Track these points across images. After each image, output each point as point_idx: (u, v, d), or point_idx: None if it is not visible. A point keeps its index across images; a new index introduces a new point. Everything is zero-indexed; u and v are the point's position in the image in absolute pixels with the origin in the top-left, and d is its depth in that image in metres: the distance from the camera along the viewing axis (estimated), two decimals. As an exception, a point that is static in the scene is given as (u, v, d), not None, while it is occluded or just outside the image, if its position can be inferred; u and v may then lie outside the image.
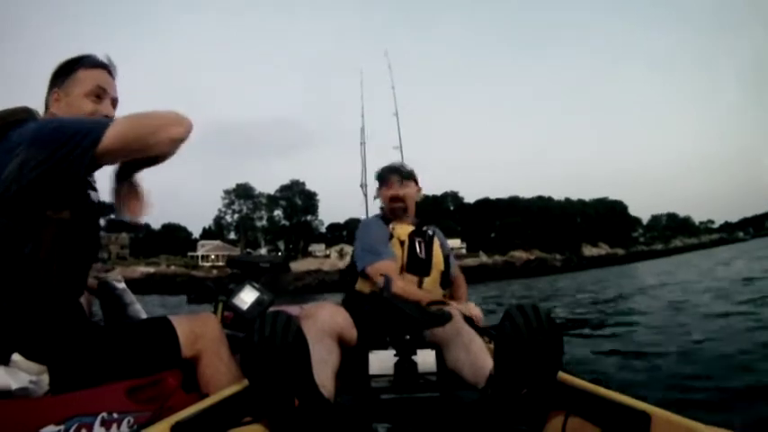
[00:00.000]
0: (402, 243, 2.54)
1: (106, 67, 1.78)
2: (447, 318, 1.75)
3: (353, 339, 2.11)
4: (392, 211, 2.71)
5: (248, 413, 1.38)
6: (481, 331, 2.06)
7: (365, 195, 4.04)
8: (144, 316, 2.27)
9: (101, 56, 1.79)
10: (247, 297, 2.27)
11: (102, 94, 1.73)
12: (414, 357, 1.78)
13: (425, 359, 1.80)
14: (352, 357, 1.98)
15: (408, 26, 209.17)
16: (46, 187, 1.42)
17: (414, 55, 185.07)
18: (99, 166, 1.53)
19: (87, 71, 1.72)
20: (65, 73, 1.71)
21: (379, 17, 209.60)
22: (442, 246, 2.67)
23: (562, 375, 1.45)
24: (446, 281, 2.64)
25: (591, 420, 1.32)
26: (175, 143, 1.56)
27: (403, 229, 2.59)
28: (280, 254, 68.28)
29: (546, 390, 1.37)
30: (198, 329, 1.77)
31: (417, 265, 2.52)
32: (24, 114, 1.57)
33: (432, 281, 2.54)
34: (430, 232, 2.64)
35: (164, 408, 1.60)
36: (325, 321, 1.97)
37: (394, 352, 1.80)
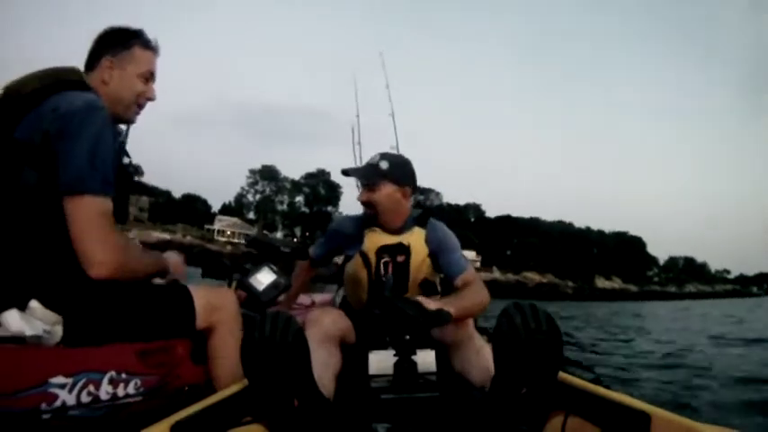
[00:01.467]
0: (366, 260, 2.25)
1: (155, 51, 1.82)
2: (446, 318, 1.71)
3: (354, 343, 2.13)
4: (365, 218, 2.35)
5: (248, 413, 1.38)
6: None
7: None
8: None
9: (151, 36, 1.81)
10: (264, 278, 2.24)
11: (150, 77, 1.78)
12: (414, 357, 1.76)
13: (425, 359, 1.77)
14: (351, 358, 1.98)
15: (416, 28, 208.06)
16: None
17: (424, 59, 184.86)
18: None
19: (143, 51, 1.76)
20: (120, 44, 1.73)
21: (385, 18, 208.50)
22: (441, 253, 2.26)
23: (562, 375, 1.45)
24: (434, 292, 2.26)
25: (591, 420, 1.32)
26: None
27: (372, 242, 2.26)
28: (295, 240, 68.42)
29: (546, 390, 1.36)
30: (215, 302, 1.78)
31: (383, 289, 2.19)
32: (75, 76, 1.60)
33: None
34: (405, 243, 2.24)
35: (172, 374, 1.64)
36: (329, 327, 1.97)
37: (393, 352, 1.79)
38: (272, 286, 2.24)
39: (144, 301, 1.64)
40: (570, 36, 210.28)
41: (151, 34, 1.78)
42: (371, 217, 2.29)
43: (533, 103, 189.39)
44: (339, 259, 2.58)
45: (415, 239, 2.27)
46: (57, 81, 1.53)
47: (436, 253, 2.26)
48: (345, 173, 2.38)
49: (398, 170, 2.27)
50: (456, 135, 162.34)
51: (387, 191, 2.22)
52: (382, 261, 2.24)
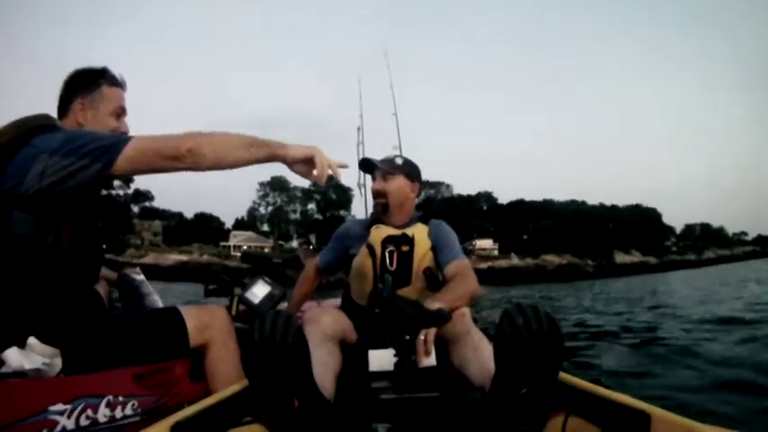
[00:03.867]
0: (371, 251, 2.35)
1: (123, 86, 1.91)
2: (446, 318, 1.71)
3: (354, 342, 2.15)
4: (374, 208, 2.53)
5: (248, 413, 1.39)
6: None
7: (363, 195, 3.99)
8: (160, 306, 2.34)
9: (116, 72, 1.91)
10: (259, 291, 2.32)
11: (122, 113, 1.88)
12: (413, 357, 1.77)
13: (426, 360, 1.79)
14: (351, 357, 1.99)
15: (417, 23, 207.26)
16: (64, 189, 1.52)
17: (425, 54, 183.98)
18: (116, 178, 1.62)
19: (111, 89, 1.85)
20: (90, 84, 1.82)
21: (388, 15, 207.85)
22: (439, 244, 2.37)
23: (562, 375, 1.45)
24: (437, 285, 2.30)
25: (591, 420, 1.32)
26: (194, 162, 1.58)
27: (378, 235, 2.38)
28: (311, 247, 68.16)
29: (546, 390, 1.37)
30: (206, 319, 1.83)
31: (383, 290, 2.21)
32: (45, 121, 1.67)
33: (413, 291, 2.30)
34: (410, 234, 2.36)
35: (170, 394, 1.69)
36: (327, 325, 1.99)
37: (393, 351, 1.80)
38: (268, 298, 2.32)
39: (137, 328, 1.72)
40: (571, 16, 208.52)
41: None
42: (379, 212, 2.46)
43: (536, 87, 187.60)
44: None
45: (419, 232, 2.39)
46: (30, 129, 1.60)
47: (437, 247, 2.36)
48: (365, 161, 2.57)
49: (410, 167, 2.51)
50: (461, 126, 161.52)
51: (399, 182, 2.44)
52: (387, 250, 2.34)
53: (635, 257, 76.19)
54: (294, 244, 74.59)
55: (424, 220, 2.49)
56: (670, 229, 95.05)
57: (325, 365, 1.74)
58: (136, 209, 70.85)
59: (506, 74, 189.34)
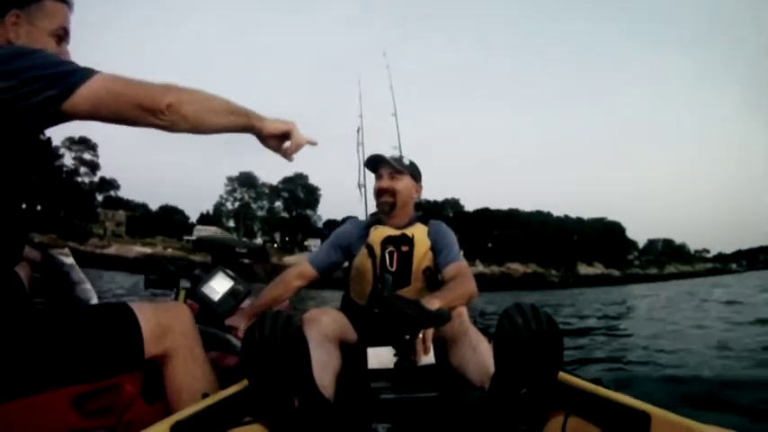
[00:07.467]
0: (371, 252, 2.34)
1: (69, 4, 1.55)
2: (447, 318, 1.68)
3: (354, 342, 2.14)
4: (379, 207, 2.49)
5: (248, 413, 1.35)
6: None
7: (363, 195, 3.91)
8: (94, 299, 1.91)
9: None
10: (219, 286, 2.02)
11: (64, 36, 1.52)
12: (413, 357, 1.76)
13: (425, 359, 1.78)
14: (351, 357, 1.97)
15: (409, 29, 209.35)
16: None
17: (418, 59, 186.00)
18: (67, 118, 1.26)
19: (55, 4, 1.49)
20: None
21: (380, 19, 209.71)
22: (438, 245, 2.36)
23: (562, 375, 1.45)
24: (437, 285, 2.28)
25: (591, 420, 1.32)
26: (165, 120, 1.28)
27: (378, 235, 2.37)
28: (275, 245, 68.02)
29: (546, 390, 1.37)
30: (167, 321, 1.47)
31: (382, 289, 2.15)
32: None
33: (413, 291, 2.29)
34: (409, 235, 2.37)
35: (121, 422, 1.37)
36: (327, 326, 1.96)
37: (392, 348, 1.77)
38: (230, 295, 2.03)
39: (74, 330, 1.31)
40: (546, 32, 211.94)
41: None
42: (382, 207, 2.46)
43: (505, 97, 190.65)
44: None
45: (419, 232, 2.40)
46: None
47: (436, 248, 2.37)
48: (377, 157, 2.52)
49: (415, 169, 2.55)
50: (428, 133, 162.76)
51: (407, 183, 2.47)
52: (387, 251, 2.35)
53: (598, 269, 77.71)
54: (258, 241, 74.43)
55: (424, 221, 2.50)
56: (633, 244, 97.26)
57: (324, 365, 1.72)
58: (100, 197, 69.83)
59: (470, 79, 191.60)
